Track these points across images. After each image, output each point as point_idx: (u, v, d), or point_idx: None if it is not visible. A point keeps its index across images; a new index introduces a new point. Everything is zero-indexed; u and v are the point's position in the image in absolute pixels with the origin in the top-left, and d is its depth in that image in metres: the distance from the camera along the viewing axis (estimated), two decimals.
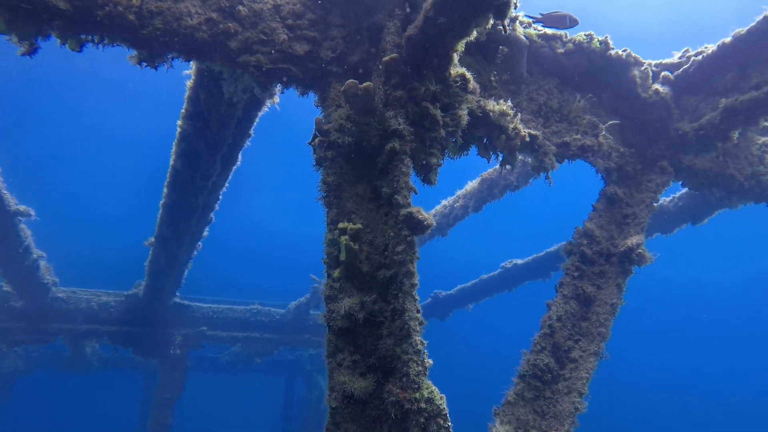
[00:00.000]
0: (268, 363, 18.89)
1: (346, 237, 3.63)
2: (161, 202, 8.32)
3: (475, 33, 3.84)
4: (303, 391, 20.19)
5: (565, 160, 5.04)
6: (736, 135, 5.27)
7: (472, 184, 9.35)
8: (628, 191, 5.26)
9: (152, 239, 10.13)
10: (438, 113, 4.03)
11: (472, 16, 3.63)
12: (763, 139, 6.38)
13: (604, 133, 5.15)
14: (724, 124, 5.08)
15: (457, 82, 4.19)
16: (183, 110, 6.04)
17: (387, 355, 3.48)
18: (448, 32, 3.85)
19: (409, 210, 3.62)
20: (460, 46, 4.10)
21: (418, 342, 3.43)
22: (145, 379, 19.17)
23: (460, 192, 9.68)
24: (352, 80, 3.86)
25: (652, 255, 4.62)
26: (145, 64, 4.11)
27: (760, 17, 4.91)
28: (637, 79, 5.49)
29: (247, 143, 6.71)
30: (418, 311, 3.53)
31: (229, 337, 14.81)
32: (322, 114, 4.41)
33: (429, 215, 3.63)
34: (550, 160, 4.78)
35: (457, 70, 4.20)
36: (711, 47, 5.38)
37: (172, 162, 7.07)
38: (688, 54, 5.70)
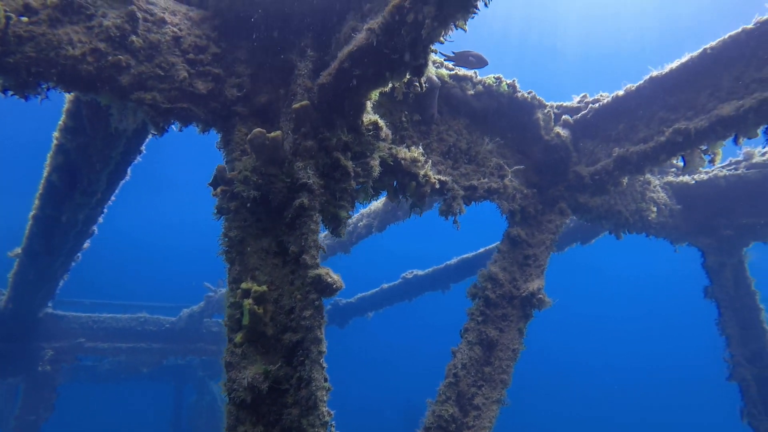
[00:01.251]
0: (155, 370, 17.89)
1: (250, 301, 3.40)
2: (31, 213, 7.49)
3: (390, 84, 3.73)
4: (193, 397, 19.34)
5: (472, 203, 5.09)
6: (625, 180, 5.62)
7: (377, 204, 9.33)
8: (530, 231, 5.44)
9: (18, 250, 9.14)
10: (349, 164, 3.89)
11: (390, 73, 3.52)
12: (645, 176, 6.89)
13: (510, 176, 5.27)
14: (616, 171, 5.39)
15: (369, 130, 4.07)
16: (61, 122, 5.41)
17: (292, 427, 3.31)
18: (363, 83, 3.72)
19: (317, 272, 3.46)
20: (375, 95, 3.99)
21: (325, 413, 3.30)
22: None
23: (364, 210, 9.62)
24: (259, 129, 3.61)
25: (551, 300, 4.81)
26: (11, 93, 3.59)
27: (647, 77, 5.25)
28: (541, 122, 5.68)
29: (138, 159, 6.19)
30: (325, 380, 3.39)
31: (112, 349, 13.77)
32: (224, 155, 4.11)
33: (338, 277, 3.49)
34: (458, 205, 4.81)
35: (370, 117, 4.08)
36: (606, 97, 5.68)
37: (46, 174, 6.35)
38: (586, 100, 5.99)
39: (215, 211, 3.86)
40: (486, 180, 5.12)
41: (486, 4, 3.02)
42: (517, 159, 5.72)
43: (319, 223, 3.67)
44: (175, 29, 3.91)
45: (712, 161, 5.05)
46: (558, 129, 5.73)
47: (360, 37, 3.44)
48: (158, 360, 14.67)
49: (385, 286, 12.70)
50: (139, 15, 3.74)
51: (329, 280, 3.43)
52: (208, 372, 18.29)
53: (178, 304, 18.79)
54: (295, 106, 3.76)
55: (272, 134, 3.62)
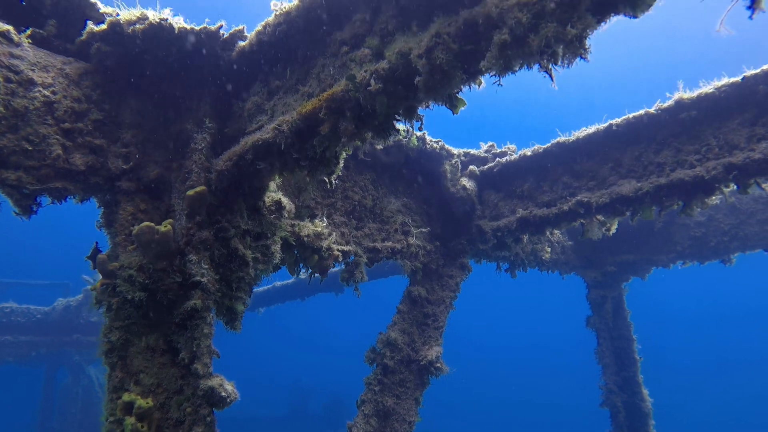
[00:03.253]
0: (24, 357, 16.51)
1: (133, 419, 3.13)
2: None
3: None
4: (67, 380, 18.13)
5: (374, 264, 5.02)
6: (526, 238, 5.79)
7: None
8: (431, 287, 5.48)
9: None
10: (248, 253, 3.64)
11: (297, 169, 3.30)
12: None
13: (414, 235, 5.25)
14: (518, 230, 5.53)
15: (272, 210, 3.83)
16: None
17: None
18: (267, 173, 3.47)
19: (210, 383, 3.24)
20: (278, 178, 3.75)
21: None
22: None
23: None
24: (147, 224, 3.26)
25: (449, 368, 4.91)
26: None
27: (554, 140, 5.38)
28: (448, 174, 5.68)
29: None
30: None
31: None
32: (107, 235, 3.70)
33: (233, 388, 3.30)
34: (360, 273, 4.72)
35: (272, 196, 3.84)
36: (514, 154, 5.76)
37: None
38: (493, 151, 6.05)
39: (93, 301, 3.49)
40: (390, 243, 5.05)
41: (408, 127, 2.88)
42: (422, 210, 5.70)
43: (213, 324, 3.42)
44: (47, 92, 3.39)
45: (608, 230, 5.31)
46: (464, 181, 5.77)
47: (267, 134, 3.18)
48: (27, 352, 13.61)
49: (278, 284, 12.56)
50: (0, 78, 3.19)
51: (222, 393, 3.22)
52: (84, 357, 17.18)
53: (56, 281, 17.37)
54: (190, 193, 3.43)
55: (162, 228, 3.29)
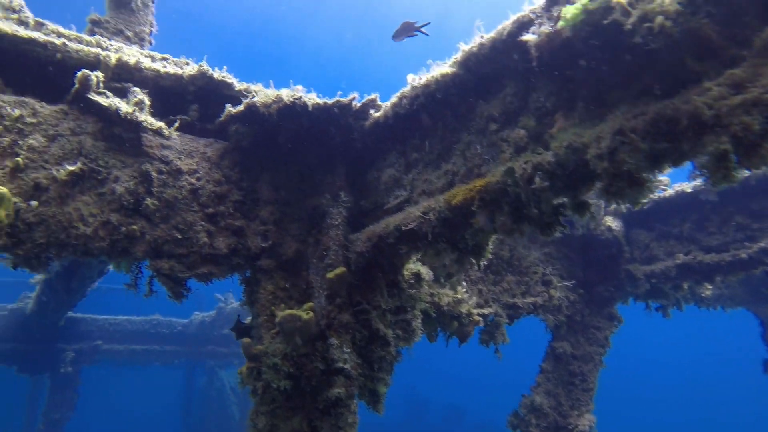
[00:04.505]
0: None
1: None
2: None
3: None
4: (203, 381, 19.54)
5: (514, 321, 4.68)
6: (687, 285, 5.14)
7: None
8: (576, 341, 5.03)
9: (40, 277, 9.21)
10: (389, 333, 3.49)
11: (442, 253, 3.09)
12: None
13: (557, 287, 4.83)
14: (679, 277, 4.90)
15: (410, 282, 3.65)
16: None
17: None
18: (408, 253, 3.30)
19: None
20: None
21: None
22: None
23: None
24: (290, 312, 3.22)
25: None
26: (22, 268, 3.24)
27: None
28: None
29: None
30: None
31: (127, 351, 13.94)
32: (249, 313, 3.74)
33: None
34: (501, 335, 4.41)
35: (410, 268, 3.66)
36: (669, 190, 5.11)
37: None
38: None
39: (240, 381, 3.53)
40: (530, 298, 4.68)
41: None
42: (561, 254, 5.24)
43: (357, 413, 3.32)
44: (192, 180, 3.47)
45: None
46: (608, 220, 5.23)
47: (411, 221, 2.98)
48: (171, 360, 14.85)
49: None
50: (153, 173, 3.31)
51: None
52: (218, 363, 18.36)
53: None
54: (330, 275, 3.34)
55: (305, 316, 3.23)
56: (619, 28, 1.98)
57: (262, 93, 3.48)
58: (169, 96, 3.67)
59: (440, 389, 42.92)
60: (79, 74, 3.15)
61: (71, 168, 3.05)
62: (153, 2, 4.19)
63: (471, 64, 2.85)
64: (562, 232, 2.57)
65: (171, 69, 3.62)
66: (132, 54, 3.62)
